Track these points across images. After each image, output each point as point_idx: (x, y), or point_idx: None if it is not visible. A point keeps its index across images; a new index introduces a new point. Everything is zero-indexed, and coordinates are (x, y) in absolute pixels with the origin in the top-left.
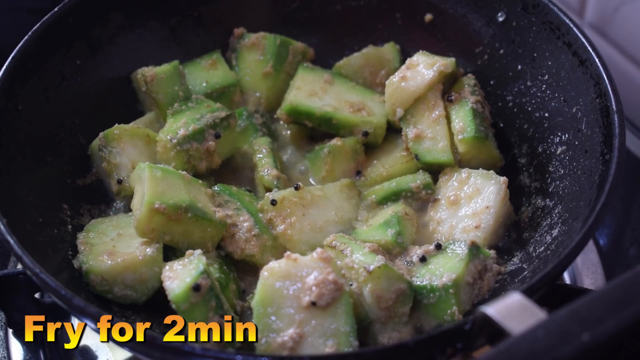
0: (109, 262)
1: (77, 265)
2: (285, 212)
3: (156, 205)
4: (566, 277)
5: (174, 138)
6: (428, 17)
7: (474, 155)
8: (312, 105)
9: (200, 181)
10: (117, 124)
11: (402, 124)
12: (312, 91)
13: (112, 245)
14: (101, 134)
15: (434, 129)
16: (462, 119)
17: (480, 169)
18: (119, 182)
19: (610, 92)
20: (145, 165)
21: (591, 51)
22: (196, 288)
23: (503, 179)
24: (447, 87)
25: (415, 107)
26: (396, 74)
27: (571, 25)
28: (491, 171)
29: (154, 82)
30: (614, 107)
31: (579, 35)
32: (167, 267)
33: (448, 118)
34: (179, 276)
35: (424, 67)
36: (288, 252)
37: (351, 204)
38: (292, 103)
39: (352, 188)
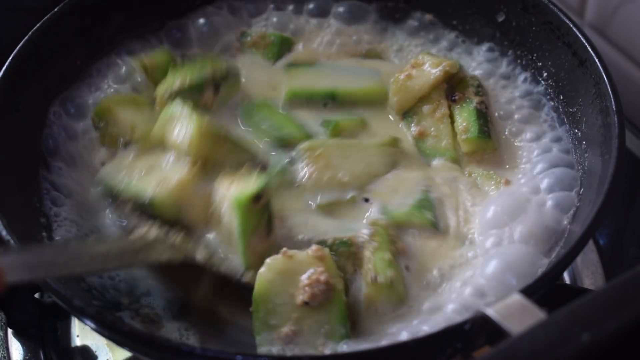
0: (162, 188)
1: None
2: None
3: (205, 125)
4: (566, 277)
5: (170, 91)
6: (428, 17)
7: (477, 154)
8: (312, 86)
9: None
10: (102, 98)
11: (406, 121)
12: (309, 78)
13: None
14: (91, 113)
15: (437, 127)
16: (466, 119)
17: (482, 169)
18: (126, 145)
19: (610, 92)
20: (172, 108)
21: (591, 51)
22: (258, 198)
23: (504, 179)
24: (451, 87)
25: (419, 106)
26: (402, 72)
27: (571, 26)
28: (492, 172)
29: (154, 68)
30: (613, 107)
31: (579, 35)
32: (221, 177)
33: (451, 117)
34: (240, 185)
35: (430, 67)
36: (284, 249)
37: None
38: (291, 88)
39: (393, 144)
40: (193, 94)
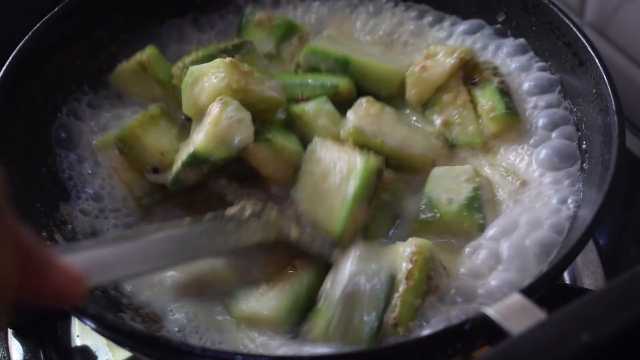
0: (204, 135)
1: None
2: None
3: (228, 60)
4: (566, 277)
5: (183, 65)
6: (428, 16)
7: (504, 132)
8: (329, 48)
9: None
10: (126, 123)
11: (427, 112)
12: (335, 44)
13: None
14: (115, 138)
15: (461, 114)
16: (490, 98)
17: (500, 167)
18: (155, 171)
19: (610, 92)
20: (190, 69)
21: (591, 51)
22: (380, 172)
23: (520, 180)
24: (466, 74)
25: (438, 96)
26: (416, 64)
27: (571, 26)
28: (509, 170)
29: (154, 63)
30: (613, 107)
31: (579, 35)
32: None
33: (472, 102)
34: (351, 153)
35: (444, 56)
36: None
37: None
38: (311, 45)
39: (440, 138)
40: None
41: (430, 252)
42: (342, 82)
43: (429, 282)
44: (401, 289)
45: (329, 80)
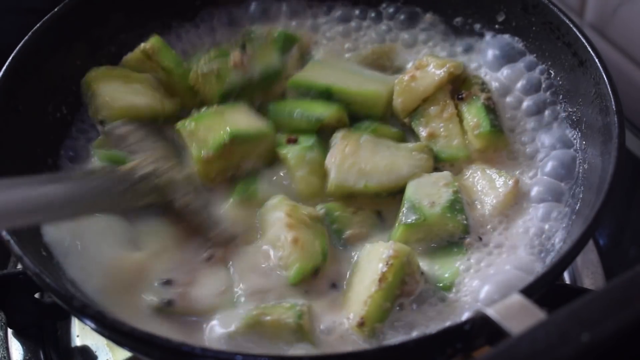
0: None
1: None
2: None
3: (204, 156)
4: (566, 277)
5: (198, 67)
6: (428, 17)
7: (489, 151)
8: (312, 79)
9: (235, 104)
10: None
11: (413, 124)
12: (319, 72)
13: None
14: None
15: (446, 127)
16: (476, 115)
17: (491, 169)
18: (101, 123)
19: (610, 92)
20: (179, 126)
21: (591, 51)
22: (317, 271)
23: (513, 179)
24: (455, 88)
25: (425, 108)
26: (406, 73)
27: (571, 26)
28: (502, 170)
29: (158, 51)
30: (613, 107)
31: (579, 35)
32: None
33: (459, 117)
34: (304, 241)
35: (434, 68)
36: None
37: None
38: (294, 78)
39: (424, 151)
40: (221, 61)
41: (408, 258)
42: (329, 114)
43: (403, 286)
44: (373, 289)
45: (315, 113)
